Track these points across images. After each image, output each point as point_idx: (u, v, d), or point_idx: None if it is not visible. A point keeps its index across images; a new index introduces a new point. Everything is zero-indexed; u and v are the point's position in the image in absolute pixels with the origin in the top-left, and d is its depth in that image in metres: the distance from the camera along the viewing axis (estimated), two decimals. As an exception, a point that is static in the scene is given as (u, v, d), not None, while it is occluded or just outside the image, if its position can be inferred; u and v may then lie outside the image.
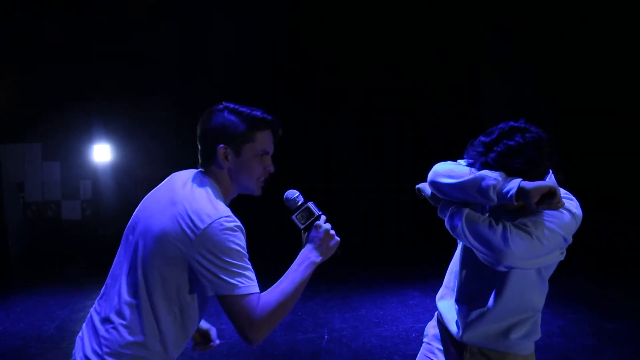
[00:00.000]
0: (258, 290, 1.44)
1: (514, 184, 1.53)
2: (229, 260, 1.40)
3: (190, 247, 1.41)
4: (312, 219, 1.59)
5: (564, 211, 1.60)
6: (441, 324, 1.90)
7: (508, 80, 6.98)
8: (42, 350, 4.06)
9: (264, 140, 1.56)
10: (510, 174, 1.56)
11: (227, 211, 1.48)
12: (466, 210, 1.62)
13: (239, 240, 1.44)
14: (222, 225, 1.41)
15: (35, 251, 7.52)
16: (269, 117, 1.56)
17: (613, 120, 6.77)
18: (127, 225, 1.60)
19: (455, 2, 7.03)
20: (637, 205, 6.89)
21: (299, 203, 1.61)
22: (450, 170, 1.66)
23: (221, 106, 1.56)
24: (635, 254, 6.50)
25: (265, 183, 1.61)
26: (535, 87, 6.94)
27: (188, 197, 1.47)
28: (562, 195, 1.60)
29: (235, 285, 1.40)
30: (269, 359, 3.89)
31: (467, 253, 1.80)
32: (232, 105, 1.56)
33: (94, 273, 6.12)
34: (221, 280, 1.40)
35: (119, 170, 7.49)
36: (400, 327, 4.40)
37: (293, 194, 1.63)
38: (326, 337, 4.24)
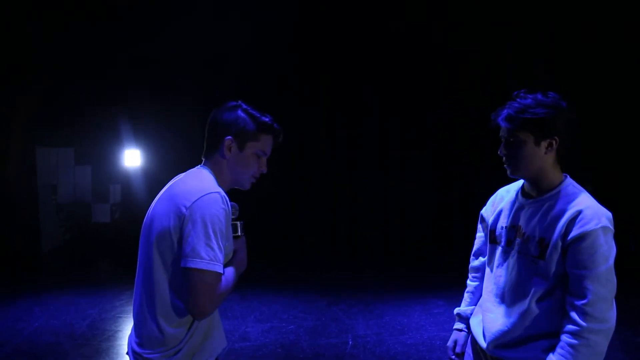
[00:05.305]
0: (222, 271, 1.52)
1: None
2: (207, 230, 1.47)
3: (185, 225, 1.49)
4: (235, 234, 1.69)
5: (601, 241, 1.67)
6: (473, 341, 1.92)
7: (536, 82, 6.89)
8: (74, 346, 4.19)
9: (267, 143, 1.71)
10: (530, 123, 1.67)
11: (218, 189, 1.55)
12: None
13: (221, 213, 1.51)
14: (209, 198, 1.50)
15: (66, 251, 7.75)
16: (276, 125, 1.71)
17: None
18: (141, 233, 1.69)
19: (484, 7, 7.00)
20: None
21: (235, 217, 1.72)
22: None
23: (236, 103, 1.71)
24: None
25: (256, 180, 1.75)
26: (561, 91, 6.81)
27: (182, 186, 1.58)
28: (588, 217, 1.65)
29: (206, 260, 1.47)
30: (294, 362, 3.94)
31: (510, 273, 1.79)
32: (245, 106, 1.70)
33: (122, 275, 6.29)
34: (194, 253, 1.47)
35: (149, 174, 7.67)
36: (424, 335, 4.41)
37: (236, 208, 1.72)
38: (350, 342, 4.27)
